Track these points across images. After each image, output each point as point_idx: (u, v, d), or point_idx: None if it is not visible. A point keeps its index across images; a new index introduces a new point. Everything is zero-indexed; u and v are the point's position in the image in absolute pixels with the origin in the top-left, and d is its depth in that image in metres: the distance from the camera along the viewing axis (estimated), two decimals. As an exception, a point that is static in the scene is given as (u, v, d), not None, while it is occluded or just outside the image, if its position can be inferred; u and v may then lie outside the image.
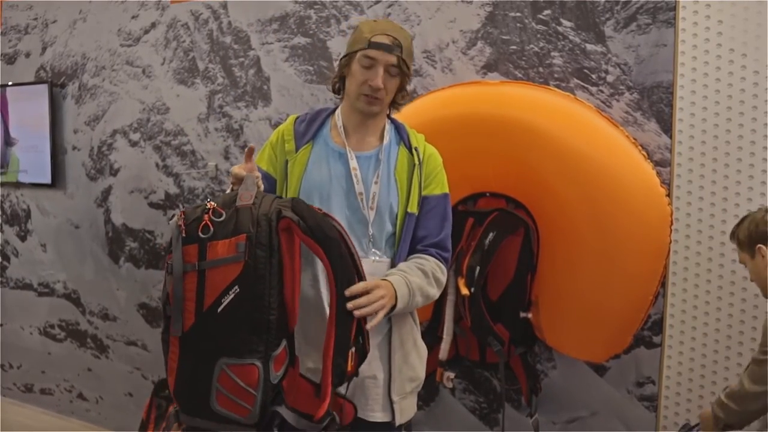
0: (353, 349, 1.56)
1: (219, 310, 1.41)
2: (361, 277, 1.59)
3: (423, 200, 1.83)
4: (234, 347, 1.41)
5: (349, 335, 1.49)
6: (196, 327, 1.44)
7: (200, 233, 1.45)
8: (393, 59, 1.74)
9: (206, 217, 1.46)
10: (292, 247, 1.50)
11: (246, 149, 1.64)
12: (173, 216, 1.51)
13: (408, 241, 1.81)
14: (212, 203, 1.49)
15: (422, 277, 1.76)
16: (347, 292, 1.53)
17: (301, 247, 1.56)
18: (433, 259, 1.81)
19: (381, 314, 1.61)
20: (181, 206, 3.23)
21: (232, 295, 1.40)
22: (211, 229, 1.44)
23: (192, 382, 1.45)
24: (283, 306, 1.47)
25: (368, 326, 1.57)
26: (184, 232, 1.46)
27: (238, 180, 1.58)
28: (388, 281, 1.67)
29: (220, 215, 1.46)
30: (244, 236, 1.41)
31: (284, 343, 1.47)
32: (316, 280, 1.73)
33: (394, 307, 1.67)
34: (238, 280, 1.40)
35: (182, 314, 1.45)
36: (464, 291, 2.12)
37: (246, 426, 1.43)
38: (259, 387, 1.41)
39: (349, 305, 1.53)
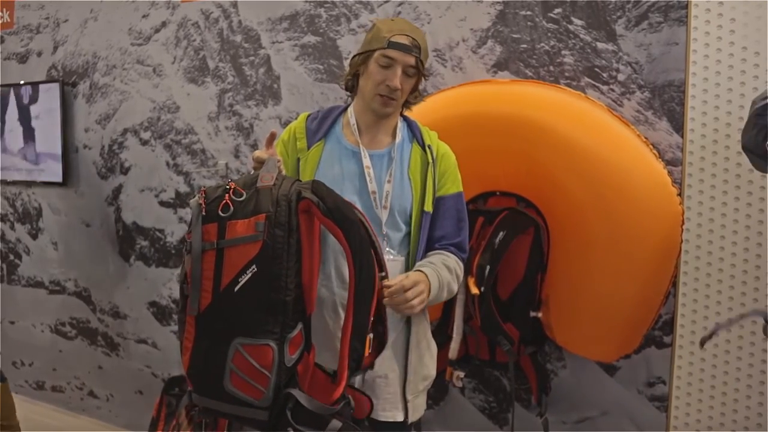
0: (371, 336, 1.57)
1: (236, 289, 1.42)
2: (381, 268, 1.59)
3: (438, 200, 1.83)
4: (250, 327, 1.41)
5: (367, 320, 1.49)
6: (213, 306, 1.45)
7: (220, 212, 1.46)
8: (411, 60, 1.74)
9: (227, 196, 1.47)
10: (312, 230, 1.50)
11: (268, 134, 1.64)
12: (195, 195, 1.52)
13: (425, 240, 1.81)
14: (233, 183, 1.50)
15: (448, 273, 1.78)
16: (386, 287, 1.56)
17: (321, 241, 1.57)
18: (454, 256, 1.83)
19: (418, 308, 1.63)
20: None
21: (250, 275, 1.41)
22: (231, 208, 1.45)
23: (206, 362, 1.45)
24: (300, 288, 1.46)
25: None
26: (204, 210, 1.47)
27: (260, 163, 1.59)
28: (423, 273, 1.69)
29: (241, 195, 1.47)
30: (264, 215, 1.42)
31: (300, 326, 1.46)
32: (329, 279, 1.73)
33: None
34: (256, 260, 1.41)
35: (200, 293, 1.45)
36: (474, 290, 2.12)
37: (259, 408, 1.43)
38: (274, 368, 1.40)
39: (386, 301, 1.56)
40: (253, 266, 1.41)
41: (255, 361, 1.40)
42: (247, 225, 1.43)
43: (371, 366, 1.64)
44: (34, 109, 3.74)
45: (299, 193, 1.45)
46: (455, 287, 1.83)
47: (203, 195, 1.50)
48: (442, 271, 1.75)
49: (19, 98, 3.80)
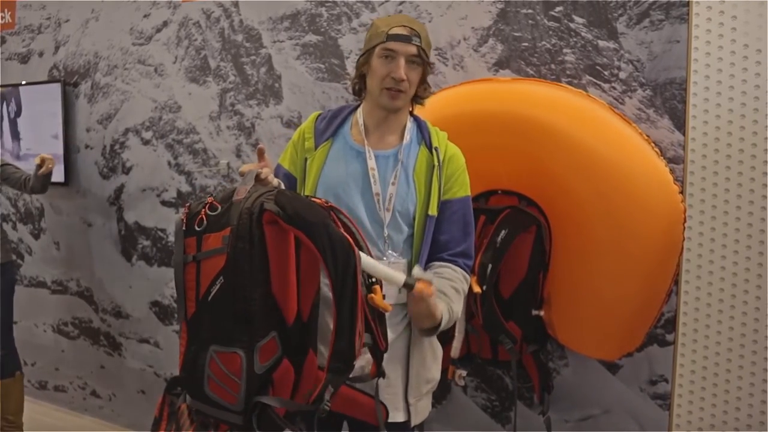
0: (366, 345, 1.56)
1: (209, 299, 1.47)
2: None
3: (444, 203, 1.81)
4: (221, 335, 1.46)
5: (350, 319, 1.48)
6: (196, 314, 1.50)
7: (196, 226, 1.51)
8: (413, 49, 1.73)
9: (203, 210, 1.51)
10: (284, 241, 1.50)
11: (257, 149, 1.65)
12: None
13: (429, 244, 1.79)
14: (211, 198, 1.55)
15: (458, 299, 1.77)
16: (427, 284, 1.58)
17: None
18: (461, 271, 1.81)
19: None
20: (193, 204, 3.25)
21: (219, 285, 1.45)
22: (205, 222, 1.50)
23: (192, 366, 1.50)
24: (270, 298, 1.48)
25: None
26: (185, 225, 1.52)
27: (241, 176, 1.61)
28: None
29: (216, 209, 1.51)
30: (229, 229, 1.45)
31: (272, 334, 1.48)
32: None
33: (436, 329, 1.70)
34: (222, 271, 1.45)
35: (184, 302, 1.51)
36: (476, 289, 2.12)
37: (234, 412, 1.46)
38: (243, 375, 1.43)
39: (419, 290, 1.58)
40: (221, 278, 1.45)
41: (225, 367, 1.45)
42: (216, 238, 1.47)
43: (379, 374, 1.63)
44: (36, 109, 3.75)
45: (261, 206, 1.47)
46: (461, 308, 1.81)
47: (187, 210, 1.55)
48: (455, 304, 1.75)
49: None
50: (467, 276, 1.83)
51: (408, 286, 1.58)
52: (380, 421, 1.71)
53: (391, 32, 1.73)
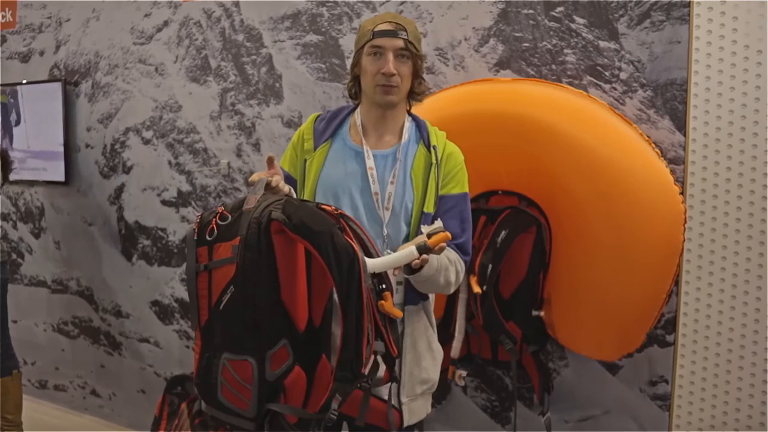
0: (376, 354, 1.55)
1: (221, 307, 1.48)
2: (374, 273, 1.58)
3: (441, 199, 1.81)
4: (232, 343, 1.47)
5: (357, 328, 1.47)
6: (209, 322, 1.51)
7: (207, 236, 1.52)
8: (400, 43, 1.74)
9: (214, 220, 1.53)
10: (293, 249, 1.51)
11: (267, 158, 1.65)
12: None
13: None
14: (221, 207, 1.56)
15: (447, 261, 1.74)
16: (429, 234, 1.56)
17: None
18: (455, 252, 1.79)
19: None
20: (193, 204, 3.25)
21: (229, 294, 1.47)
22: (216, 231, 1.51)
23: (206, 373, 1.52)
24: (280, 306, 1.49)
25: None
26: (196, 234, 1.53)
27: (250, 185, 1.61)
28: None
29: (226, 218, 1.52)
30: (239, 239, 1.46)
31: (283, 342, 1.49)
32: None
33: (419, 270, 1.65)
34: (233, 281, 1.46)
35: (198, 310, 1.52)
36: (476, 289, 2.12)
37: (247, 419, 1.48)
38: (254, 382, 1.45)
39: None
40: (231, 287, 1.47)
41: (237, 375, 1.46)
42: (226, 248, 1.48)
43: (392, 379, 1.62)
44: (36, 108, 3.75)
45: (269, 215, 1.47)
46: (453, 278, 1.77)
47: (198, 220, 1.56)
48: (442, 257, 1.72)
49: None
50: (461, 261, 1.81)
51: (424, 249, 1.56)
52: (392, 425, 1.71)
53: (376, 29, 1.75)
